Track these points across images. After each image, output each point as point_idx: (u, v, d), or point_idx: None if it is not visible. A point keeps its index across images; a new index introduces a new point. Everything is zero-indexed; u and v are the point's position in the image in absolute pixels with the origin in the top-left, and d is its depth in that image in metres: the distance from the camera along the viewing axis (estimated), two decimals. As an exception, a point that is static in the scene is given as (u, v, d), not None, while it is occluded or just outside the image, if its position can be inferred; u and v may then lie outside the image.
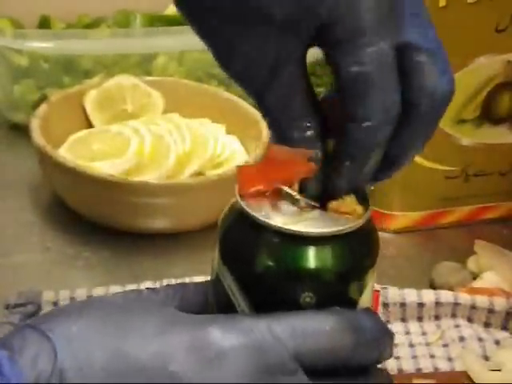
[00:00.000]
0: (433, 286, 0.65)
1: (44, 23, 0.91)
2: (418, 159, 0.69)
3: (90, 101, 0.77)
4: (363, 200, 0.40)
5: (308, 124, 0.40)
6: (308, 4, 0.37)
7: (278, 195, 0.39)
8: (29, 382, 0.35)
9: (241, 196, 0.39)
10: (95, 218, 0.69)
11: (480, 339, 0.60)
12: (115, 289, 0.60)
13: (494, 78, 0.68)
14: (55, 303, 0.58)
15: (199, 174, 0.71)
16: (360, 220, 0.39)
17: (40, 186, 0.74)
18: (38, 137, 0.69)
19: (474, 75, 0.67)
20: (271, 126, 0.41)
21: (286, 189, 0.39)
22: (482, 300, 0.61)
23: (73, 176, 0.67)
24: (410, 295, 0.61)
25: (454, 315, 0.62)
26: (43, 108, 0.73)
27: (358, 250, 0.39)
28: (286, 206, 0.39)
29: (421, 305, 0.61)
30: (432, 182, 0.71)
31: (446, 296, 0.62)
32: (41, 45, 0.80)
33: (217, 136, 0.74)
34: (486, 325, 0.62)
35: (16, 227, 0.70)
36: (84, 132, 0.74)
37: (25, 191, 0.74)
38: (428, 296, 0.61)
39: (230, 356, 0.36)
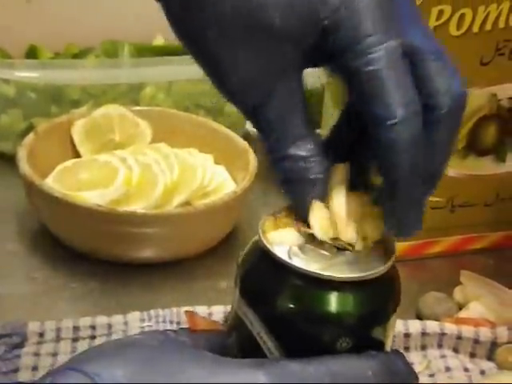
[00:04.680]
0: (419, 317, 0.65)
1: (31, 53, 0.91)
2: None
3: (77, 130, 0.77)
4: (390, 247, 0.40)
5: (308, 140, 0.39)
6: (310, 11, 0.37)
7: (303, 237, 0.39)
8: None
9: (265, 237, 0.39)
10: (82, 248, 0.69)
11: (466, 369, 0.60)
12: (102, 319, 0.59)
13: (478, 111, 0.69)
14: (41, 334, 0.58)
15: (187, 203, 0.71)
16: (387, 264, 0.39)
17: (26, 216, 0.74)
18: (25, 166, 0.69)
19: (459, 107, 0.68)
20: (268, 141, 0.40)
21: (312, 231, 0.39)
22: (467, 330, 0.62)
23: (60, 206, 0.66)
24: (397, 325, 0.61)
25: (440, 345, 0.62)
26: (30, 137, 0.73)
27: (385, 294, 0.39)
28: (314, 248, 0.39)
29: (407, 335, 0.61)
30: (418, 213, 0.71)
31: (432, 326, 0.62)
32: (28, 74, 0.80)
33: (205, 166, 0.74)
34: (472, 355, 0.62)
35: (1, 257, 0.69)
36: (71, 162, 0.74)
37: (11, 221, 0.74)
38: (414, 326, 0.61)
39: None
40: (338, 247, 0.39)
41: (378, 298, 0.39)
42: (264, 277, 0.39)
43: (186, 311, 0.59)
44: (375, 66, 0.37)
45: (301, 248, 0.39)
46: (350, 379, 0.37)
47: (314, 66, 0.40)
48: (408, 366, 0.40)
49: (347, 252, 0.39)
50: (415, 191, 0.39)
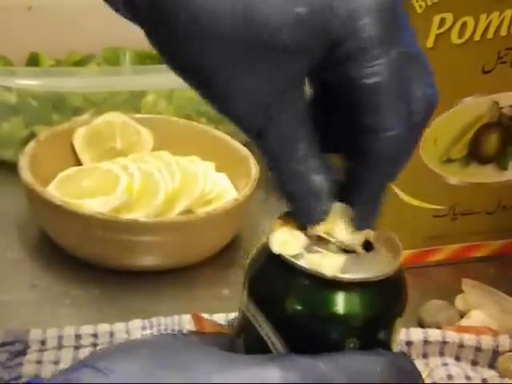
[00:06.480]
0: (421, 325, 0.65)
1: (33, 60, 0.91)
2: (405, 198, 0.69)
3: (78, 138, 0.77)
4: (396, 249, 0.40)
5: (312, 155, 0.39)
6: (320, 25, 0.37)
7: (311, 239, 0.39)
8: None
9: (273, 239, 0.39)
10: (83, 256, 0.69)
11: (468, 377, 0.60)
12: (103, 327, 0.59)
13: (480, 119, 0.69)
14: (43, 342, 0.58)
15: (189, 211, 0.71)
16: (393, 266, 0.39)
17: (28, 224, 0.74)
18: (27, 174, 0.69)
19: (460, 115, 0.68)
20: (271, 159, 0.40)
21: (321, 233, 0.39)
22: (469, 338, 0.62)
23: (61, 213, 0.67)
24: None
25: (441, 353, 0.62)
26: (32, 145, 0.73)
27: (391, 295, 0.40)
28: (321, 250, 0.39)
29: (409, 343, 0.61)
30: (420, 221, 0.71)
31: (434, 334, 0.62)
32: (29, 82, 0.80)
33: (206, 173, 0.74)
34: (474, 363, 0.62)
35: (3, 265, 0.69)
36: (73, 169, 0.74)
37: (12, 229, 0.74)
38: (416, 334, 0.61)
39: None
40: (346, 249, 0.40)
41: (385, 299, 0.39)
42: (272, 278, 0.39)
43: (194, 314, 0.59)
44: (378, 77, 0.37)
45: (308, 250, 0.39)
46: (358, 374, 0.37)
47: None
48: (414, 365, 0.40)
49: (355, 254, 0.39)
50: (383, 192, 0.40)
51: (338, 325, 0.38)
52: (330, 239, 0.39)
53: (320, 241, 0.39)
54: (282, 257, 0.38)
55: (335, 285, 0.38)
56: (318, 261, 0.38)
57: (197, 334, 0.44)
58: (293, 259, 0.38)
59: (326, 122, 0.41)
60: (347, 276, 0.38)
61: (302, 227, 0.40)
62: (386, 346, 0.40)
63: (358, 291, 0.38)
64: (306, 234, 0.39)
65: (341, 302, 0.38)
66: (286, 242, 0.39)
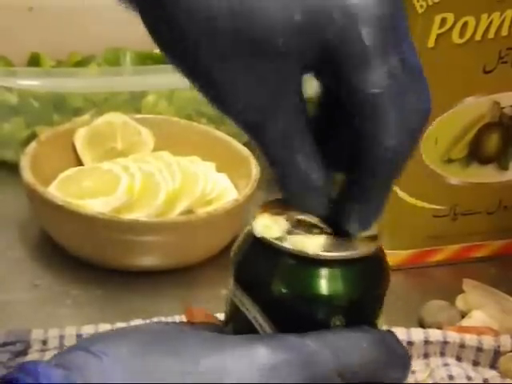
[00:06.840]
0: (422, 325, 0.65)
1: (34, 61, 0.91)
2: (406, 198, 0.69)
3: (79, 138, 0.77)
4: (374, 232, 0.41)
5: (311, 152, 0.39)
6: (316, 31, 0.37)
7: (293, 223, 0.40)
8: None
9: (256, 224, 0.40)
10: (84, 256, 0.69)
11: (469, 378, 0.60)
12: (104, 327, 0.59)
13: (481, 119, 0.69)
14: (44, 341, 0.58)
15: (189, 211, 0.71)
16: (373, 246, 0.40)
17: (29, 224, 0.74)
18: (28, 174, 0.69)
19: (461, 115, 0.68)
20: (271, 157, 0.40)
21: (303, 216, 0.40)
22: (470, 339, 0.62)
23: (62, 214, 0.67)
24: (399, 334, 0.61)
25: (442, 354, 0.62)
26: (33, 146, 0.73)
27: (375, 272, 0.40)
28: (303, 233, 0.40)
29: (410, 343, 0.61)
30: (420, 221, 0.71)
31: (434, 334, 0.62)
32: (30, 82, 0.80)
33: (207, 174, 0.74)
34: (475, 363, 0.62)
35: (4, 265, 0.70)
36: (74, 170, 0.74)
37: (13, 229, 0.74)
38: (417, 334, 0.61)
39: (280, 370, 0.37)
40: (327, 232, 0.40)
41: (369, 276, 0.40)
42: (257, 261, 0.40)
43: (187, 309, 0.59)
44: (379, 86, 0.37)
45: (291, 233, 0.40)
46: (345, 350, 0.38)
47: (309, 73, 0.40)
48: (400, 343, 0.41)
49: (336, 235, 0.40)
50: (387, 193, 0.40)
51: (323, 303, 0.39)
52: (311, 221, 0.40)
53: (301, 224, 0.40)
54: (266, 240, 0.39)
55: (318, 263, 0.39)
56: (300, 241, 0.39)
57: (188, 323, 0.44)
58: (276, 241, 0.39)
59: (332, 138, 0.41)
60: (330, 254, 0.39)
61: (285, 213, 0.40)
62: (372, 325, 0.40)
63: (341, 269, 0.39)
64: (286, 219, 0.40)
65: (325, 280, 0.39)
66: (269, 226, 0.40)
